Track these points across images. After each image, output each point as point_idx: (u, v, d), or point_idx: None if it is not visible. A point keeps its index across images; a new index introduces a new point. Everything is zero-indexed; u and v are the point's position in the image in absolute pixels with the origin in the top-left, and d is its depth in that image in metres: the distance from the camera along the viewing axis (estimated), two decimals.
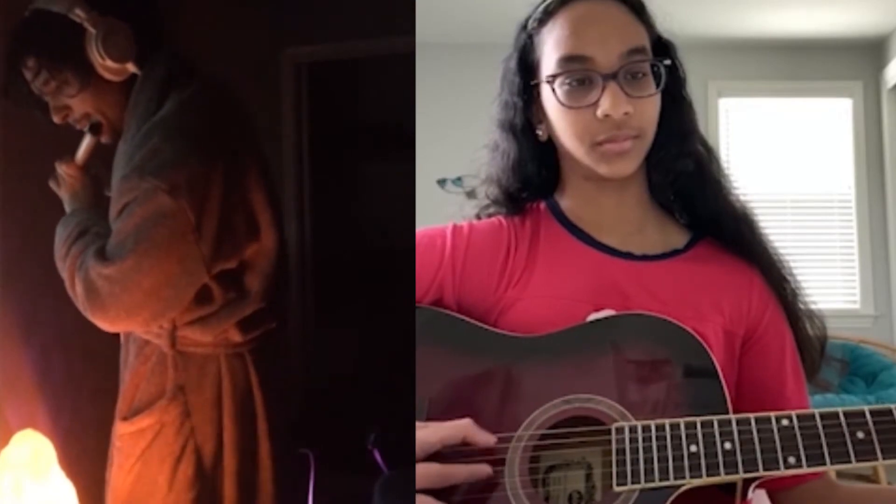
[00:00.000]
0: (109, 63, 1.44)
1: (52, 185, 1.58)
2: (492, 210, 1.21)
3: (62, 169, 1.55)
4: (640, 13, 1.09)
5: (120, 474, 1.50)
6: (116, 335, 1.58)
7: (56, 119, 1.51)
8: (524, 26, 1.13)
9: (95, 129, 1.52)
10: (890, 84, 4.59)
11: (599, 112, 1.03)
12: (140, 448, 1.48)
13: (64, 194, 1.56)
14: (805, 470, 0.88)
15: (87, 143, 1.55)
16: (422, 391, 1.04)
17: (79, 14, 1.43)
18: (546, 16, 1.10)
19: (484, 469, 0.94)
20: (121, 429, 1.51)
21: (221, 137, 1.46)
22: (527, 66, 1.12)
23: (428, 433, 0.95)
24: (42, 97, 1.49)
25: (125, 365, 1.55)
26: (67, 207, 1.55)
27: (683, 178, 1.13)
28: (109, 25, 1.43)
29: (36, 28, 1.45)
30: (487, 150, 1.20)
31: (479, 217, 1.22)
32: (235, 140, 1.50)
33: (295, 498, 1.65)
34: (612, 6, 1.07)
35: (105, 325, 1.42)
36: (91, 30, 1.43)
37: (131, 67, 1.47)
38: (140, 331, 1.50)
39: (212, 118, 1.47)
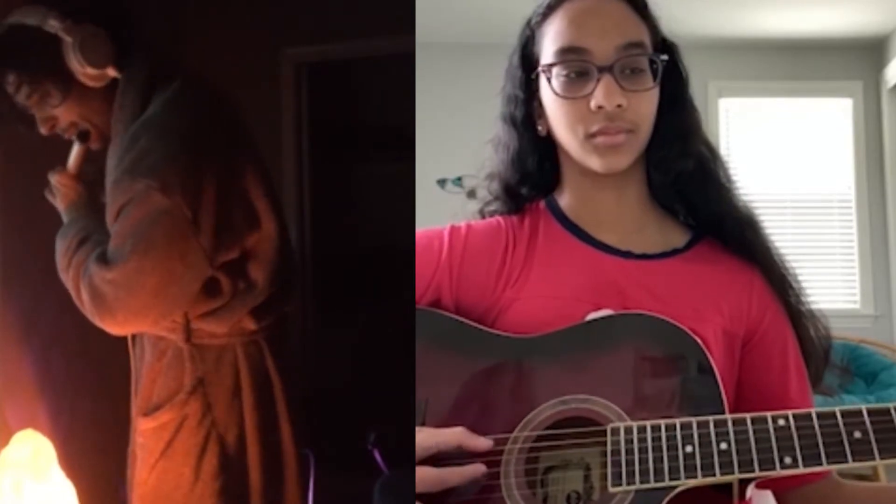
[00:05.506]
0: (89, 70, 1.44)
1: (48, 196, 1.57)
2: (493, 207, 1.21)
3: (55, 179, 1.55)
4: (642, 11, 1.10)
5: (144, 470, 1.51)
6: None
7: (43, 130, 1.51)
8: (528, 21, 1.14)
9: (83, 137, 1.52)
10: (890, 84, 4.58)
11: (593, 103, 1.04)
12: (164, 442, 1.48)
13: (60, 204, 1.56)
14: (801, 470, 0.87)
15: (76, 151, 1.54)
16: (419, 393, 1.04)
17: (53, 24, 1.42)
18: (548, 10, 1.11)
19: (478, 468, 0.94)
20: (142, 425, 1.51)
21: (209, 131, 1.46)
22: (528, 59, 1.13)
23: (423, 437, 0.95)
24: (27, 110, 1.49)
25: (141, 361, 1.55)
26: (65, 218, 1.54)
27: (684, 178, 1.13)
28: (85, 32, 1.43)
29: (12, 43, 1.45)
30: (491, 145, 1.21)
31: (482, 214, 1.22)
32: (224, 132, 1.50)
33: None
34: (612, 2, 1.08)
35: (115, 330, 1.42)
36: (67, 39, 1.42)
37: (112, 72, 1.46)
38: (151, 330, 1.50)
39: (197, 113, 1.47)
